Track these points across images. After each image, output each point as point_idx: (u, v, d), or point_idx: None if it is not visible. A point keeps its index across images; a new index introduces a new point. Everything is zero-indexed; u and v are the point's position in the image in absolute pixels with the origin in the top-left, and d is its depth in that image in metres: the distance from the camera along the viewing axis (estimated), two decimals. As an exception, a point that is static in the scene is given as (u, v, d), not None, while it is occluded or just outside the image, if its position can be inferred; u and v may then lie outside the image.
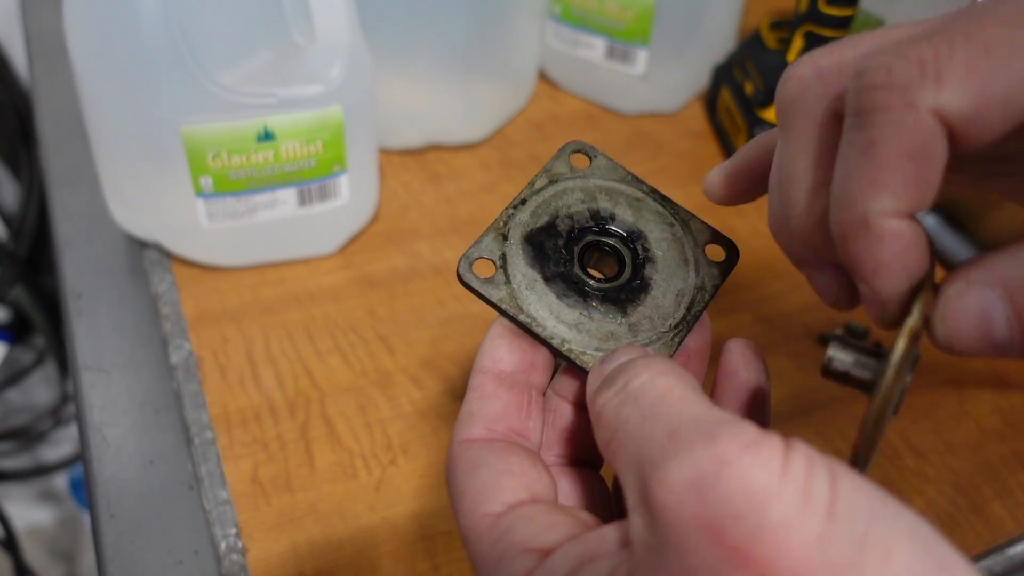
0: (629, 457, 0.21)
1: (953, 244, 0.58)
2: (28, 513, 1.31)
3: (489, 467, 0.25)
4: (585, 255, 0.30)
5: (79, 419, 0.47)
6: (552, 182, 0.30)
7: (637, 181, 0.31)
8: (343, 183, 0.53)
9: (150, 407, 0.47)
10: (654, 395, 0.22)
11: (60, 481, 1.31)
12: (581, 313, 0.28)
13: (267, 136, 0.49)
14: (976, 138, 0.21)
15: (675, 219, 0.31)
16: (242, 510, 0.42)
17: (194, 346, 0.49)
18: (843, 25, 0.59)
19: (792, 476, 0.18)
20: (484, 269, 0.29)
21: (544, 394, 0.29)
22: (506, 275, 0.29)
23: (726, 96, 0.67)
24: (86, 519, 1.32)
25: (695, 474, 0.18)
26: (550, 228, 0.30)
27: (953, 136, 0.21)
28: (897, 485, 0.45)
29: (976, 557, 0.43)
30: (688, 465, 0.19)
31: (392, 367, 0.49)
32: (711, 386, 0.29)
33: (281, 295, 0.53)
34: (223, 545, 0.40)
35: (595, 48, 0.68)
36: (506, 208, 0.30)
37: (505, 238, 0.29)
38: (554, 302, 0.28)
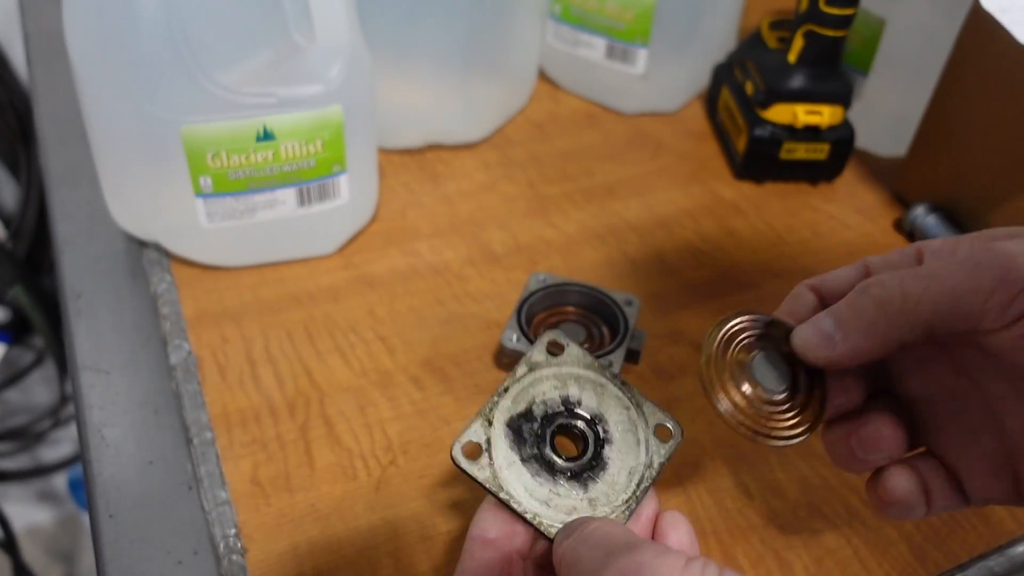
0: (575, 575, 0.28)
1: None
2: (27, 513, 1.30)
3: None
4: (555, 436, 0.35)
5: (78, 419, 0.47)
6: (531, 370, 0.36)
7: (601, 368, 0.36)
8: (343, 183, 0.53)
9: (150, 407, 0.47)
10: (600, 535, 0.29)
11: (59, 481, 1.31)
12: (550, 490, 0.34)
13: (267, 136, 0.49)
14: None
15: (631, 403, 0.36)
16: (242, 510, 0.42)
17: (193, 346, 0.49)
18: (843, 25, 0.59)
19: (690, 572, 0.26)
20: (472, 452, 0.34)
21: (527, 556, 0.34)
22: (490, 457, 0.34)
23: (726, 96, 0.67)
24: (85, 519, 1.32)
25: (620, 573, 0.26)
26: (527, 414, 0.35)
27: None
28: (897, 485, 0.45)
29: (977, 558, 0.43)
30: (616, 569, 0.26)
31: (392, 367, 0.49)
32: None
33: (281, 295, 0.53)
34: (223, 545, 0.40)
35: (595, 48, 0.68)
36: (492, 396, 0.35)
37: (490, 423, 0.35)
38: (529, 480, 0.34)
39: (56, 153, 0.62)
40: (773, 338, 0.35)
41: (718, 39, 0.71)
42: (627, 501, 0.34)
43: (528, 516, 0.33)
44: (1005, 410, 0.32)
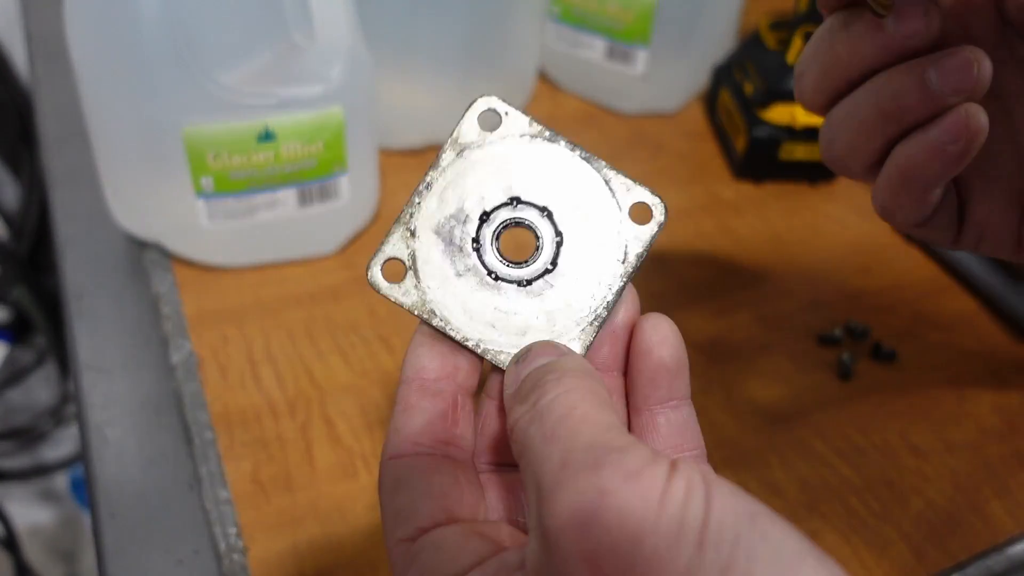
0: (530, 478, 0.22)
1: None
2: (28, 513, 1.30)
3: (409, 487, 0.25)
4: (500, 237, 0.28)
5: (79, 419, 0.47)
6: (459, 155, 0.28)
7: (555, 137, 0.28)
8: (343, 183, 0.53)
9: (150, 407, 0.47)
10: (558, 414, 0.22)
11: (60, 481, 1.31)
12: (496, 307, 0.27)
13: (267, 136, 0.49)
14: None
15: (598, 178, 0.28)
16: (242, 510, 0.42)
17: (194, 346, 0.49)
18: (843, 25, 0.59)
19: (669, 503, 0.19)
20: (394, 272, 0.27)
21: (476, 395, 0.28)
22: (416, 276, 0.27)
23: (726, 96, 0.67)
24: (86, 519, 1.32)
25: (579, 505, 0.19)
26: (458, 214, 0.28)
27: None
28: (896, 485, 0.45)
29: (976, 557, 0.43)
30: (574, 493, 0.20)
31: (392, 367, 0.49)
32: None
33: (281, 295, 0.53)
34: (223, 545, 0.40)
35: (595, 48, 0.68)
36: (411, 196, 0.28)
37: (412, 234, 0.28)
38: (468, 298, 0.27)
39: (57, 153, 0.63)
40: None
41: (718, 39, 0.71)
42: (595, 310, 0.27)
43: (470, 344, 0.27)
44: None
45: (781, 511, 0.46)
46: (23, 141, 1.01)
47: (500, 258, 0.28)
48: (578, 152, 0.28)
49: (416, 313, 0.27)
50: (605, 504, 0.19)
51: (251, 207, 0.51)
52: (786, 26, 0.66)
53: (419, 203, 0.28)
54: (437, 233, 0.28)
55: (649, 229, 0.27)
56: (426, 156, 0.64)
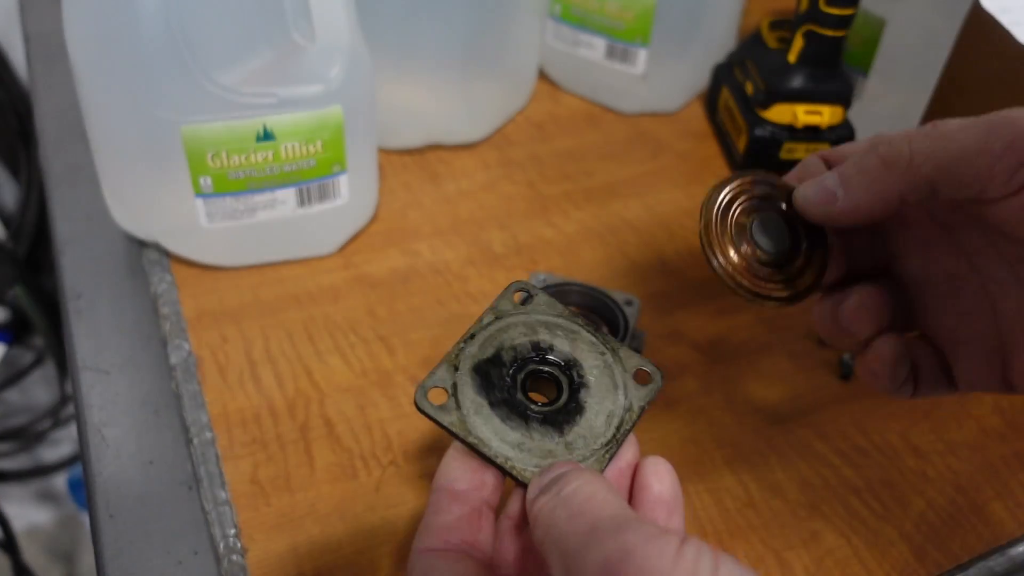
0: (557, 549, 0.25)
1: None
2: (27, 513, 1.30)
3: (440, 573, 0.29)
4: (527, 382, 0.33)
5: (78, 419, 0.47)
6: (498, 318, 0.34)
7: (573, 316, 0.35)
8: (343, 183, 0.53)
9: (150, 407, 0.47)
10: (581, 498, 0.27)
11: (59, 481, 1.31)
12: (523, 434, 0.32)
13: (267, 136, 0.49)
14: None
15: (606, 348, 0.34)
16: (242, 510, 0.42)
17: (193, 346, 0.49)
18: (844, 25, 0.59)
19: (682, 561, 0.23)
20: (438, 397, 0.32)
21: (497, 510, 0.32)
22: (457, 402, 0.32)
23: (726, 96, 0.67)
24: (85, 519, 1.32)
25: (607, 559, 0.23)
26: (495, 359, 0.33)
27: None
28: (897, 485, 0.45)
29: (977, 558, 0.43)
30: (601, 552, 0.24)
31: (392, 367, 0.49)
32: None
33: (281, 295, 0.53)
34: (223, 545, 0.40)
35: (595, 48, 0.68)
36: (457, 342, 0.33)
37: (456, 369, 0.33)
38: (499, 425, 0.32)
39: (56, 153, 0.62)
40: (774, 200, 0.34)
41: (718, 39, 0.71)
42: (606, 445, 0.32)
43: (499, 460, 0.31)
44: (1000, 294, 0.32)
45: (781, 511, 0.45)
46: (22, 141, 1.01)
47: (526, 398, 0.33)
48: (592, 328, 0.35)
49: (455, 431, 0.31)
50: (629, 558, 0.23)
51: (250, 207, 0.51)
52: (787, 25, 0.65)
53: (463, 347, 0.33)
54: (476, 371, 0.33)
55: (648, 390, 0.34)
56: (426, 156, 0.64)
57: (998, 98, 0.55)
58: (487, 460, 0.31)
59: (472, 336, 0.34)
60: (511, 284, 0.35)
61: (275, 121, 0.48)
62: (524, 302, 0.35)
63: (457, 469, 0.31)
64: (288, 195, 0.52)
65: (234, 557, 0.40)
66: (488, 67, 0.63)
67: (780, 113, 0.62)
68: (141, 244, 0.55)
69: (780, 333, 0.53)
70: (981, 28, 0.54)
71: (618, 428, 0.32)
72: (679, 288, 0.56)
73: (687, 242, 0.59)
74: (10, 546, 1.09)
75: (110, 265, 0.55)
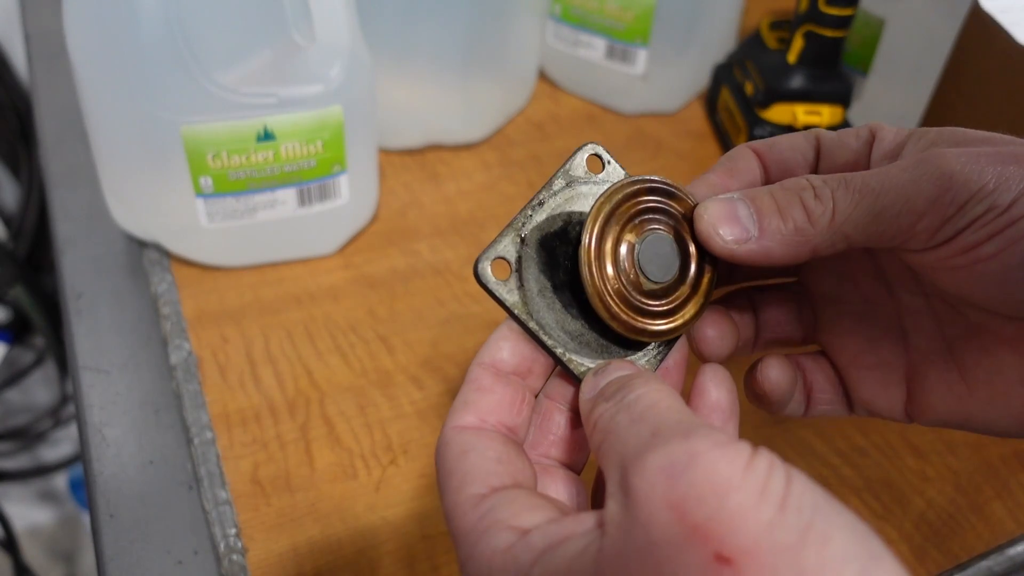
0: (615, 453, 0.23)
1: None
2: (28, 513, 1.30)
3: (479, 452, 0.27)
4: None
5: (79, 419, 0.47)
6: (568, 184, 0.31)
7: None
8: (343, 183, 0.53)
9: (150, 407, 0.47)
10: (645, 404, 0.24)
11: (60, 481, 1.31)
12: (582, 325, 0.29)
13: (267, 136, 0.49)
14: None
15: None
16: (242, 510, 0.42)
17: (194, 346, 0.49)
18: (843, 25, 0.59)
19: (753, 473, 0.20)
20: (500, 270, 0.29)
21: (536, 396, 0.30)
22: (520, 279, 0.29)
23: (726, 96, 0.67)
24: (86, 519, 1.32)
25: (669, 462, 0.21)
26: (562, 234, 0.30)
27: None
28: (898, 485, 0.45)
29: (977, 557, 0.43)
30: (664, 454, 0.21)
31: (392, 367, 0.49)
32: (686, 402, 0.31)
33: (281, 295, 0.53)
34: (223, 545, 0.40)
35: (595, 48, 0.68)
36: (524, 208, 0.30)
37: (523, 240, 0.29)
38: (560, 311, 0.29)
39: (56, 153, 0.62)
40: (671, 214, 0.30)
41: (718, 39, 0.71)
42: (660, 344, 0.30)
43: (559, 351, 0.29)
44: (915, 327, 0.32)
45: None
46: (22, 141, 1.01)
47: None
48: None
49: (516, 312, 0.29)
50: (694, 463, 0.20)
51: (250, 207, 0.51)
52: (786, 26, 0.66)
53: (531, 215, 0.30)
54: (542, 246, 0.30)
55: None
56: (426, 156, 0.64)
57: (997, 98, 0.55)
58: (544, 349, 0.29)
59: (541, 203, 0.30)
60: (584, 145, 0.31)
61: (275, 121, 0.48)
62: (596, 170, 0.31)
63: (506, 349, 0.29)
64: (288, 195, 0.52)
65: (234, 557, 0.40)
66: (488, 67, 0.63)
67: (780, 113, 0.62)
68: (141, 244, 0.55)
69: (780, 333, 0.53)
70: (981, 28, 0.54)
71: None
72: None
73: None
74: (11, 546, 1.09)
75: (110, 265, 0.55)
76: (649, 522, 0.21)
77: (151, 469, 0.44)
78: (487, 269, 0.29)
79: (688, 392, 0.30)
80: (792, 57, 0.61)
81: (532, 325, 0.29)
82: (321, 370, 0.49)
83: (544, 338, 0.29)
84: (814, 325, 0.35)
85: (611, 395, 0.26)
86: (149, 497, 0.43)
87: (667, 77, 0.69)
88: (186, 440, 0.45)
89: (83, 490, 0.99)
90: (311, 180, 0.52)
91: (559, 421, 0.30)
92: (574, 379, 0.29)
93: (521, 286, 0.29)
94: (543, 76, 0.73)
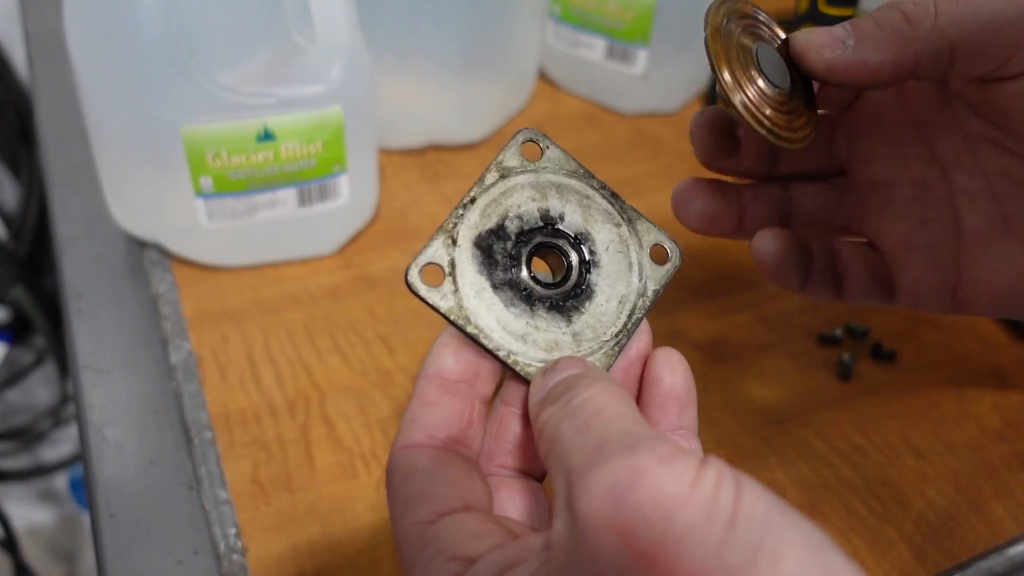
0: (561, 466, 0.22)
1: None
2: (28, 513, 1.30)
3: (424, 475, 0.26)
4: (533, 257, 0.30)
5: (79, 419, 0.47)
6: (503, 176, 0.29)
7: (588, 176, 0.30)
8: (343, 183, 0.53)
9: (150, 407, 0.47)
10: (590, 410, 0.23)
11: (60, 481, 1.31)
12: (527, 323, 0.28)
13: (267, 136, 0.49)
14: None
15: (622, 218, 0.30)
16: (242, 510, 0.42)
17: (194, 346, 0.49)
18: (843, 25, 0.59)
19: (701, 488, 0.19)
20: (433, 276, 0.28)
21: (489, 403, 0.29)
22: (455, 282, 0.28)
23: (726, 96, 0.67)
24: (86, 519, 1.32)
25: (613, 482, 0.20)
26: (499, 230, 0.29)
27: None
28: (897, 485, 0.45)
29: (976, 558, 0.43)
30: (608, 473, 0.20)
31: (392, 367, 0.49)
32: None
33: (281, 295, 0.53)
34: (223, 545, 0.40)
35: (595, 48, 0.68)
36: (455, 208, 0.29)
37: (454, 242, 0.28)
38: (501, 311, 0.28)
39: (57, 153, 0.63)
40: (766, 37, 0.30)
41: (718, 39, 0.71)
42: (616, 335, 0.29)
43: (501, 354, 0.28)
44: (970, 207, 0.31)
45: (781, 511, 0.45)
46: (23, 141, 1.01)
47: (532, 278, 0.29)
48: (607, 192, 0.30)
49: (452, 319, 0.28)
50: (639, 482, 0.20)
51: (251, 207, 0.51)
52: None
53: (462, 214, 0.29)
54: (477, 245, 0.29)
55: (665, 270, 0.30)
56: (426, 156, 0.64)
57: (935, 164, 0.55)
58: (487, 352, 0.28)
59: (473, 200, 0.29)
60: (519, 132, 0.30)
61: (275, 121, 0.48)
62: (533, 158, 0.30)
63: (449, 358, 0.28)
64: (288, 195, 0.52)
65: (234, 557, 0.40)
66: (488, 67, 0.63)
67: (780, 113, 0.62)
68: (141, 244, 0.55)
69: (780, 333, 0.53)
70: (981, 28, 0.54)
71: (630, 316, 0.29)
72: (679, 288, 0.56)
73: (687, 242, 0.59)
74: (11, 546, 1.09)
75: (111, 265, 0.55)
76: (595, 547, 0.20)
77: (151, 469, 0.44)
78: (416, 276, 0.28)
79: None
80: (792, 57, 0.61)
81: (471, 329, 0.28)
82: (321, 370, 0.49)
83: (485, 341, 0.28)
84: (859, 213, 0.34)
85: (556, 398, 0.25)
86: (149, 497, 0.43)
87: (667, 77, 0.69)
88: (186, 440, 0.45)
89: (83, 490, 0.99)
90: (311, 180, 0.52)
91: (515, 428, 0.29)
92: (523, 381, 0.28)
93: (456, 290, 0.28)
94: (543, 76, 0.73)
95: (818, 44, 0.28)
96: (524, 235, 0.29)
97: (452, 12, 0.58)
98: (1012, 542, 0.43)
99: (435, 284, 0.28)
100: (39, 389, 1.23)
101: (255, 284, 0.54)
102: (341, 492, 0.43)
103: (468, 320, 0.28)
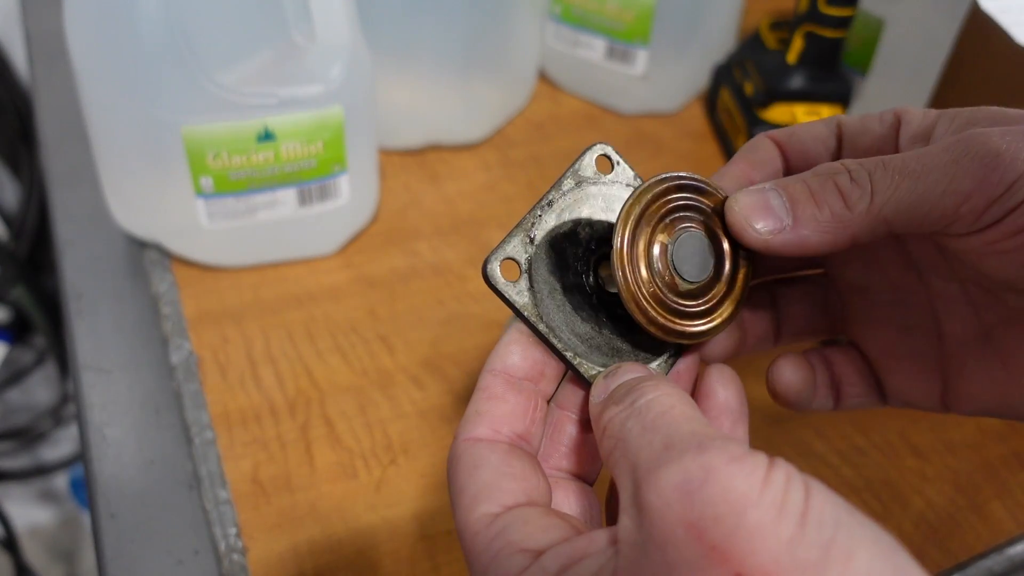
0: (627, 464, 0.23)
1: None
2: (28, 513, 1.30)
3: (491, 467, 0.26)
4: (599, 266, 0.30)
5: (79, 419, 0.47)
6: (577, 185, 0.30)
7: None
8: (343, 183, 0.53)
9: (150, 407, 0.47)
10: (657, 411, 0.23)
11: (60, 481, 1.31)
12: (592, 327, 0.29)
13: (267, 136, 0.49)
14: None
15: None
16: (242, 510, 0.42)
17: (194, 346, 0.49)
18: (843, 25, 0.59)
19: (771, 487, 0.20)
20: (510, 271, 0.28)
21: (548, 402, 0.30)
22: (530, 280, 0.28)
23: (726, 96, 0.67)
24: (86, 519, 1.32)
25: (684, 479, 0.20)
26: (572, 235, 0.29)
27: None
28: (897, 485, 0.45)
29: (976, 557, 0.43)
30: (679, 471, 0.20)
31: (392, 367, 0.49)
32: None
33: (281, 295, 0.53)
34: (223, 545, 0.40)
35: (595, 48, 0.68)
36: (533, 208, 0.29)
37: (532, 241, 0.29)
38: (570, 313, 0.29)
39: (57, 153, 0.63)
40: (702, 210, 0.29)
41: (718, 39, 0.71)
42: (675, 346, 0.29)
43: (568, 355, 0.28)
44: (949, 314, 0.31)
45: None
46: (23, 141, 1.01)
47: (599, 285, 0.30)
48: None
49: (526, 315, 0.28)
50: (710, 479, 0.20)
51: (251, 207, 0.51)
52: (786, 26, 0.66)
53: (540, 216, 0.29)
54: (552, 247, 0.29)
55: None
56: (426, 156, 0.64)
57: (997, 98, 0.55)
58: (554, 352, 0.28)
59: (551, 203, 0.29)
60: (595, 144, 0.31)
61: (275, 121, 0.48)
62: (605, 170, 0.31)
63: (517, 354, 0.28)
64: (289, 195, 0.52)
65: (235, 556, 0.40)
66: (488, 67, 0.63)
67: (779, 113, 0.62)
68: (142, 244, 0.55)
69: (780, 333, 0.53)
70: (980, 28, 0.54)
71: None
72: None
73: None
74: (11, 545, 1.09)
75: (111, 265, 0.55)
76: (665, 542, 0.20)
77: (151, 469, 0.44)
78: (496, 270, 0.28)
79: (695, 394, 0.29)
80: (792, 57, 0.61)
81: (542, 328, 0.28)
82: (321, 370, 0.49)
83: (554, 341, 0.28)
84: (843, 316, 0.34)
85: (621, 398, 0.25)
86: (149, 497, 0.43)
87: (667, 77, 0.69)
88: (186, 440, 0.45)
89: (83, 490, 0.99)
90: (311, 180, 0.52)
91: (570, 431, 0.29)
92: (584, 383, 0.28)
93: (531, 288, 0.28)
94: (543, 76, 0.73)
95: (752, 225, 0.28)
96: (594, 243, 0.30)
97: (452, 12, 0.58)
98: (1012, 542, 0.43)
99: (512, 279, 0.28)
100: (39, 389, 1.23)
101: (255, 284, 0.54)
102: (341, 492, 0.43)
103: (540, 318, 0.28)
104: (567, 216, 0.30)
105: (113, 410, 0.47)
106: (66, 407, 1.23)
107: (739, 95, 0.65)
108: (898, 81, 0.65)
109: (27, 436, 1.23)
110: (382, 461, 0.45)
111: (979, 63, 0.55)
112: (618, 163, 0.31)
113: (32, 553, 1.25)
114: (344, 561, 0.41)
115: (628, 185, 0.31)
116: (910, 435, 0.48)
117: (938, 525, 0.44)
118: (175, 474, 0.44)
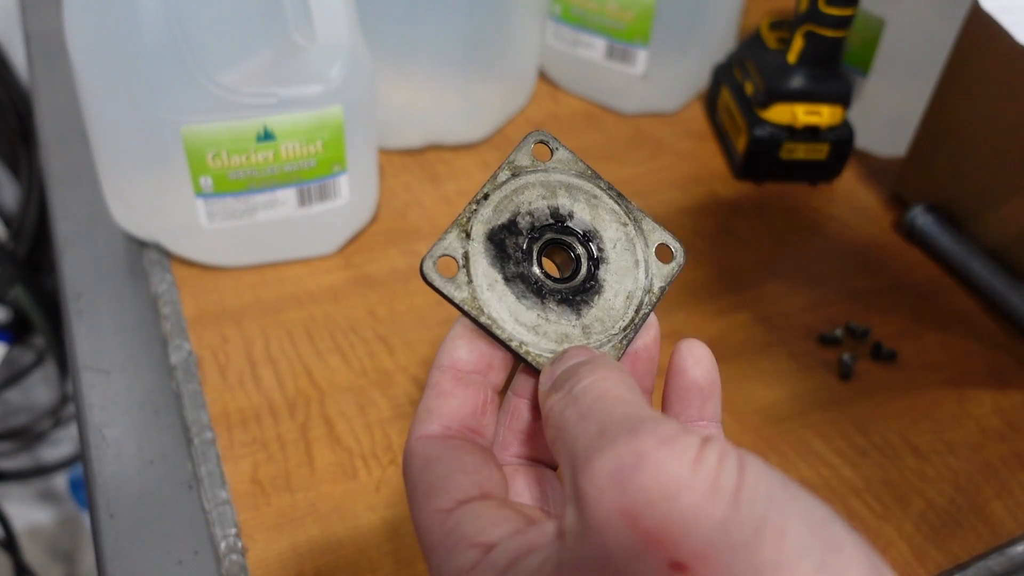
0: (567, 452, 0.23)
1: (952, 244, 0.58)
2: (28, 513, 1.30)
3: (442, 464, 0.26)
4: (544, 253, 0.30)
5: (79, 419, 0.47)
6: (514, 175, 0.30)
7: (596, 177, 0.31)
8: (343, 183, 0.53)
9: (150, 407, 0.47)
10: (592, 396, 0.24)
11: (60, 481, 1.31)
12: (538, 315, 0.29)
13: (267, 136, 0.49)
14: None
15: (628, 218, 0.31)
16: (242, 510, 0.42)
17: (194, 346, 0.49)
18: (843, 25, 0.59)
19: (703, 467, 0.20)
20: (447, 268, 0.29)
21: (503, 393, 0.30)
22: (468, 275, 0.29)
23: (726, 96, 0.67)
24: (86, 519, 1.32)
25: (616, 466, 0.20)
26: (511, 226, 0.30)
27: None
28: (897, 485, 0.45)
29: (977, 557, 0.43)
30: (612, 457, 0.21)
31: (392, 367, 0.49)
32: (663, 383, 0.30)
33: (281, 295, 0.53)
34: (223, 545, 0.40)
35: (595, 48, 0.68)
36: (469, 203, 0.30)
37: (468, 235, 0.29)
38: (513, 303, 0.29)
39: (57, 153, 0.62)
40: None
41: (718, 39, 0.71)
42: (624, 329, 0.30)
43: (513, 344, 0.28)
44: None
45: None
46: (22, 141, 1.01)
47: (543, 272, 0.30)
48: (614, 193, 0.31)
49: (465, 308, 0.28)
50: (642, 464, 0.20)
51: (251, 207, 0.51)
52: (786, 26, 0.66)
53: (475, 210, 0.30)
54: (490, 239, 0.29)
55: (670, 268, 0.31)
56: (426, 156, 0.64)
57: (997, 98, 0.55)
58: (499, 342, 0.28)
59: (486, 196, 0.30)
60: (530, 134, 0.31)
61: (275, 121, 0.48)
62: (543, 158, 0.31)
63: (463, 348, 0.29)
64: (288, 195, 0.52)
65: (234, 557, 0.40)
66: (488, 67, 0.63)
67: (780, 113, 0.62)
68: (141, 244, 0.55)
69: (780, 333, 0.53)
70: (981, 28, 0.54)
71: (637, 311, 0.30)
72: (679, 288, 0.56)
73: (687, 242, 0.59)
74: (11, 546, 1.09)
75: (111, 265, 0.55)
76: (602, 530, 0.20)
77: (151, 469, 0.44)
78: (432, 268, 0.28)
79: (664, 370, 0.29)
80: (792, 57, 0.61)
81: (484, 320, 0.28)
82: (321, 370, 0.49)
83: (497, 332, 0.28)
84: None
85: (561, 385, 0.25)
86: (149, 497, 0.43)
87: (667, 77, 0.69)
88: (186, 440, 0.45)
89: (83, 490, 0.99)
90: (311, 180, 0.52)
91: (526, 417, 0.29)
92: (534, 371, 0.29)
93: (470, 282, 0.29)
94: (543, 76, 0.73)
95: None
96: (535, 231, 0.30)
97: (452, 12, 0.58)
98: (1012, 542, 0.43)
99: (449, 276, 0.28)
100: (39, 389, 1.23)
101: (255, 284, 0.54)
102: (341, 492, 0.43)
103: (481, 310, 0.28)
104: (505, 207, 0.30)
105: (113, 410, 0.46)
106: (65, 407, 1.23)
107: (739, 95, 0.65)
108: (898, 81, 0.65)
109: (27, 436, 1.23)
110: (382, 461, 0.45)
111: (979, 63, 0.55)
112: (556, 149, 0.31)
113: (32, 553, 1.25)
114: (344, 561, 0.41)
115: (570, 170, 0.31)
116: (910, 435, 0.48)
117: (938, 525, 0.44)
118: (175, 474, 0.44)
